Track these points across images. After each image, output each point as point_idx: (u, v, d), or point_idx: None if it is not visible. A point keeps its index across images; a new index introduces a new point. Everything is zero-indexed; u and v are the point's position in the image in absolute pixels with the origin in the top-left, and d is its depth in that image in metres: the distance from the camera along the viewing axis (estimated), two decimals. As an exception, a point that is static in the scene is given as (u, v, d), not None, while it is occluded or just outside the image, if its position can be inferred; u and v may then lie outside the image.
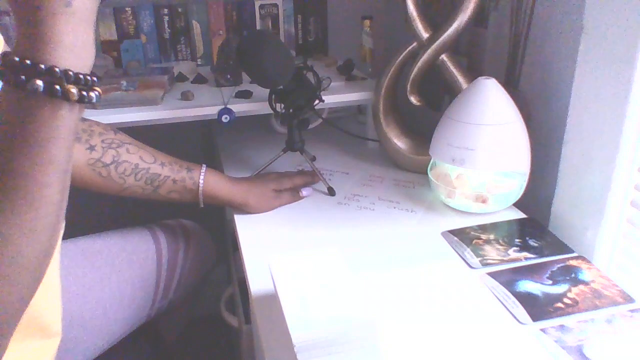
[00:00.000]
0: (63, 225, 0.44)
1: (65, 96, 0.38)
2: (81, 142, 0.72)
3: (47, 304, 0.59)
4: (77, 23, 0.38)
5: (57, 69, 0.37)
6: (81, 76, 0.39)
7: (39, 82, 0.37)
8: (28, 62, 0.37)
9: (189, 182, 0.79)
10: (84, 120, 0.75)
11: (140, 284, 0.82)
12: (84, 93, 0.39)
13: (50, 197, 0.40)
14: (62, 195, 0.42)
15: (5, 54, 0.37)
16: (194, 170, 0.80)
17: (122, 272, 0.80)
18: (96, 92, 0.40)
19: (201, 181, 0.79)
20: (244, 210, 0.83)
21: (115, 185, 0.75)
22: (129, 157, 0.75)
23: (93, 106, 0.41)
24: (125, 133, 0.79)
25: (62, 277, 0.65)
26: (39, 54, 0.37)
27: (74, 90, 0.38)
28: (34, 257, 0.41)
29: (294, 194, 0.86)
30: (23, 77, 0.37)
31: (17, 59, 0.37)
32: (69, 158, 0.41)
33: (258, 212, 0.83)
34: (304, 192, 0.88)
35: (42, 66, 0.37)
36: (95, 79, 0.40)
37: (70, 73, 0.38)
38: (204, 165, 0.81)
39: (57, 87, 0.37)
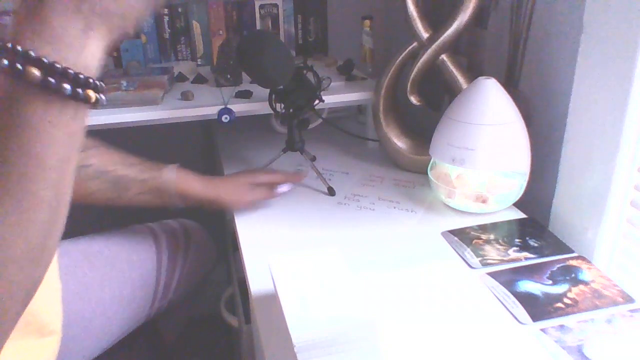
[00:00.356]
0: (61, 227, 0.43)
1: (57, 90, 0.36)
2: None
3: (45, 302, 0.59)
4: (98, 44, 0.38)
5: (58, 65, 0.36)
6: (81, 76, 0.37)
7: (37, 72, 0.35)
8: (31, 53, 0.35)
9: (156, 181, 0.76)
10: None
11: (140, 284, 0.82)
12: (79, 90, 0.37)
13: (36, 193, 0.38)
14: (56, 196, 0.40)
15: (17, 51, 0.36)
16: (163, 169, 0.78)
17: (122, 271, 0.80)
18: (98, 95, 0.39)
19: (170, 179, 0.76)
20: (218, 206, 0.81)
21: (79, 190, 0.72)
22: (94, 160, 0.73)
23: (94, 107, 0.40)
24: (96, 138, 0.76)
25: (62, 277, 0.65)
26: (40, 48, 0.36)
27: (66, 86, 0.36)
28: (22, 253, 0.39)
29: (270, 189, 0.83)
30: (19, 66, 0.35)
31: (18, 48, 0.35)
32: (64, 161, 0.40)
33: (232, 208, 0.82)
34: (281, 187, 0.84)
35: (45, 60, 0.35)
36: (101, 83, 0.39)
37: (71, 72, 0.37)
38: (174, 165, 0.79)
39: (52, 80, 0.36)
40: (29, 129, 0.37)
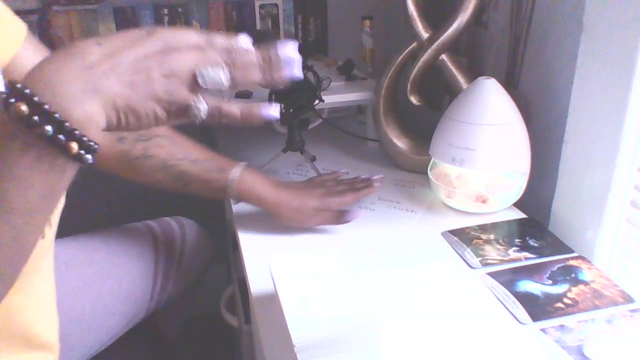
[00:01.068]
0: (16, 273, 0.42)
1: (65, 149, 0.37)
2: (112, 133, 0.71)
3: (41, 318, 0.59)
4: (98, 109, 0.39)
5: (67, 124, 0.36)
6: (84, 138, 0.37)
7: (49, 128, 0.36)
8: (46, 106, 0.36)
9: (218, 183, 0.75)
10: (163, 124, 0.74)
11: (139, 278, 0.82)
12: (82, 152, 0.38)
13: (8, 237, 0.38)
14: (14, 240, 0.39)
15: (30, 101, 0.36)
16: (227, 170, 0.75)
17: (121, 266, 0.81)
18: (92, 156, 0.39)
19: (232, 182, 0.75)
20: (276, 220, 0.77)
21: (145, 178, 0.74)
22: (158, 151, 0.73)
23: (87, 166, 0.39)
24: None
25: (63, 273, 0.65)
26: (55, 103, 0.36)
27: (74, 144, 0.37)
28: None
29: (338, 217, 0.76)
30: (36, 117, 0.36)
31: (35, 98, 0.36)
32: (32, 210, 0.39)
33: (291, 226, 0.77)
34: (349, 216, 0.76)
35: (57, 115, 0.36)
36: (94, 143, 0.39)
37: (77, 132, 0.37)
38: (241, 165, 0.76)
39: (62, 137, 0.36)
40: (2, 165, 0.36)
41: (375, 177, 0.81)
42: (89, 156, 0.38)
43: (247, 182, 0.75)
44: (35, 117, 0.35)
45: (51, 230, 0.56)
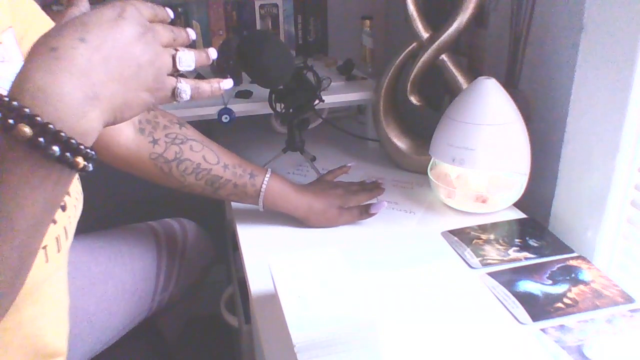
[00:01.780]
0: (19, 287, 0.42)
1: (72, 165, 0.37)
2: (144, 134, 0.71)
3: (53, 327, 0.59)
4: (99, 115, 0.39)
5: (73, 141, 0.36)
6: (88, 150, 0.38)
7: (56, 148, 0.36)
8: (52, 126, 0.35)
9: (250, 188, 0.77)
10: (148, 110, 0.74)
11: (142, 277, 0.83)
12: (85, 163, 0.38)
13: (15, 247, 0.38)
14: (19, 257, 0.39)
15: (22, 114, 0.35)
16: (257, 176, 0.77)
17: (125, 265, 0.81)
18: (91, 165, 0.39)
19: (262, 189, 0.77)
20: (304, 223, 0.80)
21: (175, 182, 0.74)
22: (192, 155, 0.74)
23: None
24: (192, 127, 0.78)
25: (68, 272, 0.65)
26: (59, 122, 0.36)
27: (80, 159, 0.37)
28: None
29: (362, 212, 0.80)
30: (42, 139, 0.35)
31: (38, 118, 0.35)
32: (36, 225, 0.39)
33: (320, 227, 0.80)
34: (374, 209, 0.79)
35: (63, 134, 0.36)
36: (93, 152, 0.39)
37: (82, 147, 0.37)
38: (269, 171, 0.78)
39: (69, 155, 0.37)
40: (6, 188, 0.36)
41: (379, 181, 0.85)
42: (90, 165, 0.39)
43: (276, 188, 0.78)
44: (41, 139, 0.35)
45: (67, 241, 0.56)
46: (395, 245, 0.75)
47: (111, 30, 0.39)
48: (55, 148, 0.36)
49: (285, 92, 0.88)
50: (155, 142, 0.72)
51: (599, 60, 0.66)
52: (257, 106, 0.97)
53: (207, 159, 0.74)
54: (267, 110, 0.94)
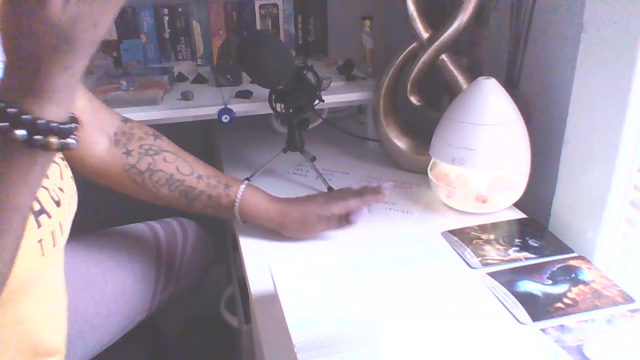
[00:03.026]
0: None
1: (45, 146, 0.37)
2: (119, 146, 0.71)
3: (50, 323, 0.59)
4: (71, 81, 0.38)
5: (40, 121, 0.36)
6: (63, 126, 0.38)
7: (21, 132, 0.36)
8: (14, 110, 0.36)
9: (224, 199, 0.74)
10: (125, 121, 0.74)
11: (141, 277, 0.83)
12: (63, 141, 0.38)
13: (8, 244, 0.40)
14: (19, 242, 0.41)
15: None
16: (232, 186, 0.75)
17: (124, 265, 0.81)
18: (74, 138, 0.39)
19: (237, 200, 0.74)
20: (282, 234, 0.76)
21: (149, 193, 0.73)
22: (165, 166, 0.73)
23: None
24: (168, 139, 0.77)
25: (66, 273, 0.66)
26: (26, 104, 0.36)
27: (54, 140, 0.37)
28: None
29: (341, 220, 0.75)
30: (6, 123, 0.36)
31: (1, 104, 0.36)
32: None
33: (298, 238, 0.76)
34: (354, 217, 0.75)
35: (26, 117, 0.36)
36: (75, 124, 0.39)
37: (54, 125, 0.37)
38: (245, 182, 0.76)
39: (38, 137, 0.37)
40: (16, 183, 0.38)
41: (386, 184, 0.78)
42: (71, 141, 0.39)
43: (252, 200, 0.75)
44: (38, 137, 0.36)
45: (63, 236, 0.56)
46: (395, 246, 0.75)
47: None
48: (54, 141, 0.37)
49: (285, 92, 0.88)
50: (128, 153, 0.71)
51: (599, 60, 0.66)
52: (257, 106, 0.97)
53: (181, 169, 0.73)
54: (267, 110, 0.93)
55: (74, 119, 0.40)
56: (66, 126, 0.38)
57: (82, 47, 0.36)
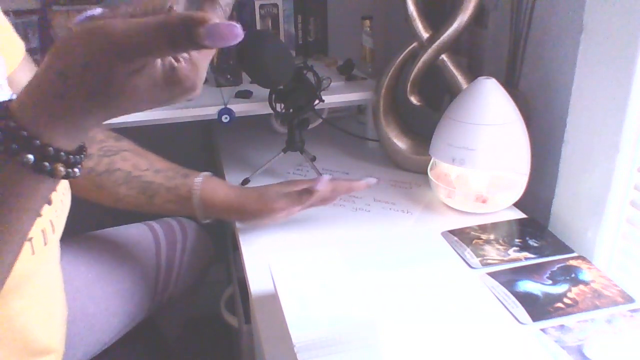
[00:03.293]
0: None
1: (52, 174, 0.36)
2: None
3: (42, 321, 0.59)
4: (93, 123, 0.37)
5: (51, 148, 0.35)
6: (72, 156, 0.37)
7: (30, 157, 0.35)
8: (25, 133, 0.34)
9: (182, 189, 0.72)
10: None
11: (141, 277, 0.83)
12: (69, 170, 0.37)
13: (5, 264, 0.39)
14: (13, 264, 0.41)
15: (2, 115, 0.35)
16: (190, 176, 0.74)
17: (124, 265, 0.81)
18: (79, 168, 0.38)
19: (196, 188, 0.72)
20: (244, 218, 0.75)
21: (109, 196, 0.72)
22: (123, 164, 0.72)
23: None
24: (130, 140, 0.75)
25: (66, 273, 0.66)
26: (40, 129, 0.35)
27: (61, 168, 0.36)
28: None
29: (302, 193, 0.73)
30: (16, 146, 0.35)
31: (13, 124, 0.35)
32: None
33: (259, 219, 0.75)
34: (316, 185, 0.73)
35: (37, 142, 0.35)
36: (84, 154, 0.38)
37: (62, 154, 0.36)
38: (203, 174, 0.75)
39: (47, 164, 0.36)
40: (20, 208, 0.37)
41: (369, 179, 0.78)
42: (76, 171, 0.38)
43: (211, 186, 0.74)
44: (46, 164, 0.36)
45: (55, 235, 0.56)
46: (395, 246, 0.75)
47: None
48: (62, 169, 0.36)
49: (285, 92, 0.88)
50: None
51: (599, 60, 0.66)
52: (257, 106, 0.97)
53: (138, 166, 0.72)
54: (267, 110, 0.93)
55: (82, 149, 0.39)
56: (76, 157, 0.37)
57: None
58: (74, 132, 0.36)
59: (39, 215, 0.40)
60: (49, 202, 0.53)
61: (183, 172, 0.74)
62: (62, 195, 0.56)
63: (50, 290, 0.60)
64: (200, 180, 0.74)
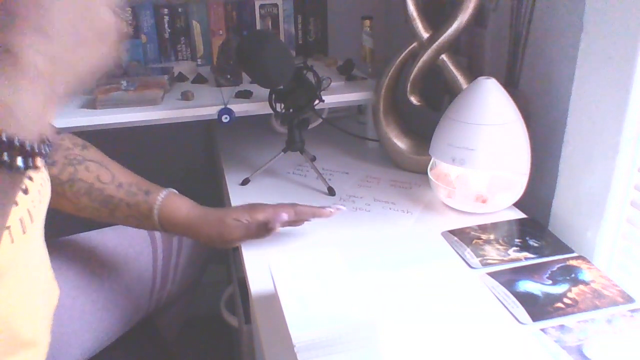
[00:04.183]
0: None
1: (9, 165, 0.34)
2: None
3: (22, 312, 0.58)
4: (39, 95, 0.35)
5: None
6: (29, 146, 0.35)
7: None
8: None
9: (143, 206, 0.71)
10: (59, 132, 0.73)
11: (138, 276, 0.83)
12: (29, 161, 0.35)
13: None
14: None
15: None
16: (152, 193, 0.72)
17: (120, 265, 0.81)
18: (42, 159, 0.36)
19: (156, 205, 0.71)
20: (200, 240, 0.73)
21: (69, 205, 0.71)
22: (86, 175, 0.70)
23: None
24: (99, 149, 0.74)
25: (62, 272, 0.65)
26: None
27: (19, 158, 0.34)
28: None
29: (260, 227, 0.71)
30: None
31: None
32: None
33: (212, 245, 0.73)
34: (272, 223, 0.70)
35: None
36: (46, 148, 0.36)
37: (16, 142, 0.34)
38: (166, 190, 0.73)
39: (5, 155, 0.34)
40: None
41: (334, 207, 0.75)
42: (31, 161, 0.36)
43: (172, 205, 0.72)
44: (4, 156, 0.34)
45: (33, 224, 0.55)
46: (395, 245, 0.75)
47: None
48: (19, 160, 0.34)
49: (285, 92, 0.88)
50: (53, 163, 0.69)
51: (599, 60, 0.66)
52: (257, 106, 0.97)
53: (101, 178, 0.71)
54: (267, 110, 0.93)
55: (46, 143, 0.37)
56: (36, 148, 0.35)
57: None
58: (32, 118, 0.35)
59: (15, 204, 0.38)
60: (25, 192, 0.52)
61: (145, 188, 0.73)
62: (39, 186, 0.56)
63: (33, 281, 0.60)
64: (161, 199, 0.72)
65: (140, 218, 0.72)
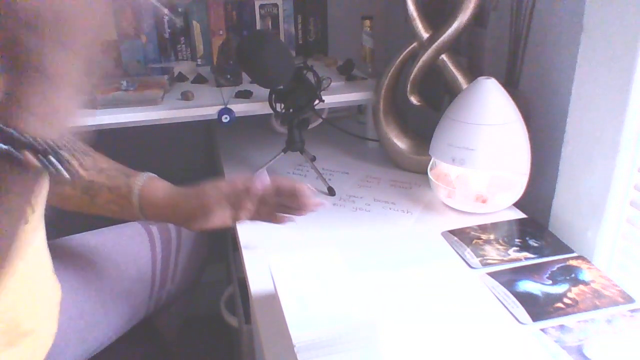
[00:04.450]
0: None
1: (22, 163, 0.36)
2: None
3: (24, 300, 0.58)
4: (52, 91, 0.37)
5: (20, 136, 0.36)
6: (45, 143, 0.37)
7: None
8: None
9: (124, 189, 0.70)
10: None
11: (137, 276, 0.83)
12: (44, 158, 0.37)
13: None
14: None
15: None
16: (132, 176, 0.71)
17: (119, 265, 0.81)
18: (65, 161, 0.39)
19: (137, 187, 0.70)
20: (179, 220, 0.72)
21: (54, 195, 0.69)
22: None
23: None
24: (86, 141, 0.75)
25: (62, 272, 0.65)
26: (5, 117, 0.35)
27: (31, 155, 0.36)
28: None
29: (239, 194, 0.69)
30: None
31: None
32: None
33: (194, 221, 0.71)
34: (256, 184, 0.69)
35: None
36: (62, 145, 0.38)
37: (30, 139, 0.36)
38: (147, 174, 0.72)
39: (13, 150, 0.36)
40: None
41: (324, 203, 0.74)
42: (47, 161, 0.40)
43: (152, 185, 0.71)
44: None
45: (35, 214, 0.55)
46: (395, 245, 0.75)
47: None
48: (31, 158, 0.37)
49: (285, 92, 0.88)
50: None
51: (599, 60, 0.66)
52: (257, 106, 0.97)
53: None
54: (267, 110, 0.94)
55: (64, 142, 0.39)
56: (49, 143, 0.38)
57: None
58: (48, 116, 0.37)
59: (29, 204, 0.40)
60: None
61: (126, 172, 0.72)
62: None
63: (34, 271, 0.60)
64: (142, 180, 0.72)
65: (121, 203, 0.71)
